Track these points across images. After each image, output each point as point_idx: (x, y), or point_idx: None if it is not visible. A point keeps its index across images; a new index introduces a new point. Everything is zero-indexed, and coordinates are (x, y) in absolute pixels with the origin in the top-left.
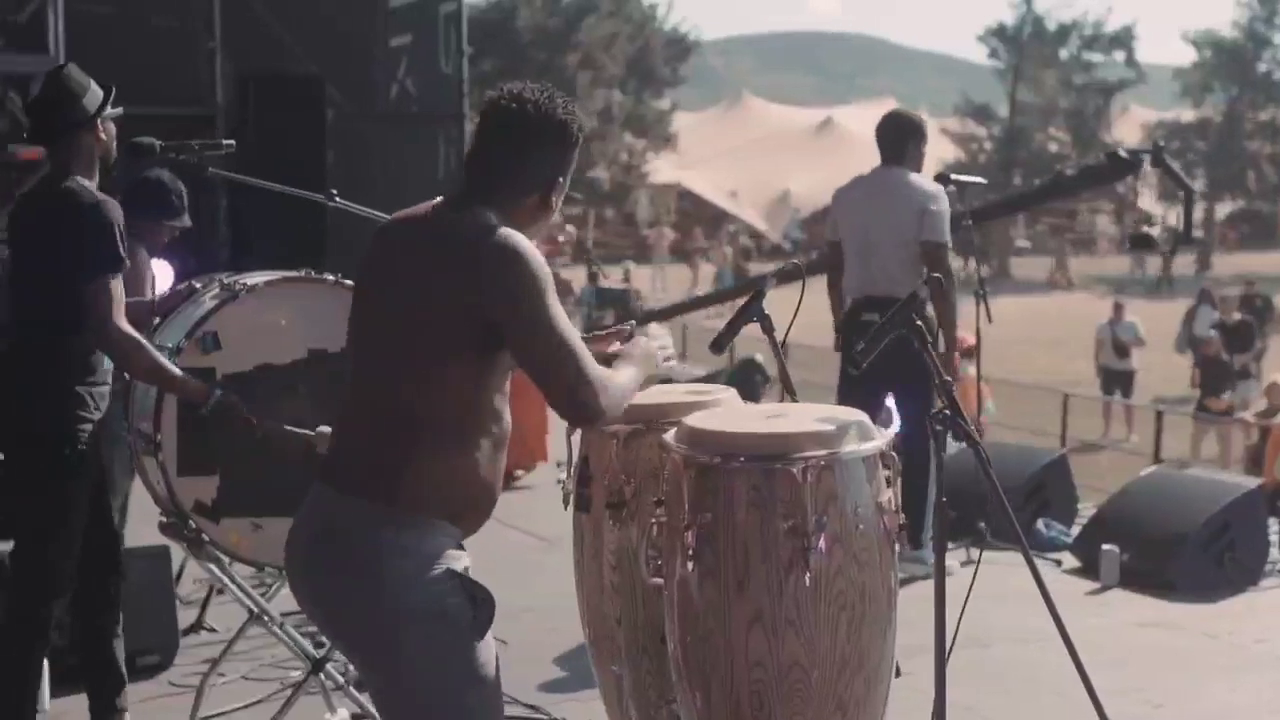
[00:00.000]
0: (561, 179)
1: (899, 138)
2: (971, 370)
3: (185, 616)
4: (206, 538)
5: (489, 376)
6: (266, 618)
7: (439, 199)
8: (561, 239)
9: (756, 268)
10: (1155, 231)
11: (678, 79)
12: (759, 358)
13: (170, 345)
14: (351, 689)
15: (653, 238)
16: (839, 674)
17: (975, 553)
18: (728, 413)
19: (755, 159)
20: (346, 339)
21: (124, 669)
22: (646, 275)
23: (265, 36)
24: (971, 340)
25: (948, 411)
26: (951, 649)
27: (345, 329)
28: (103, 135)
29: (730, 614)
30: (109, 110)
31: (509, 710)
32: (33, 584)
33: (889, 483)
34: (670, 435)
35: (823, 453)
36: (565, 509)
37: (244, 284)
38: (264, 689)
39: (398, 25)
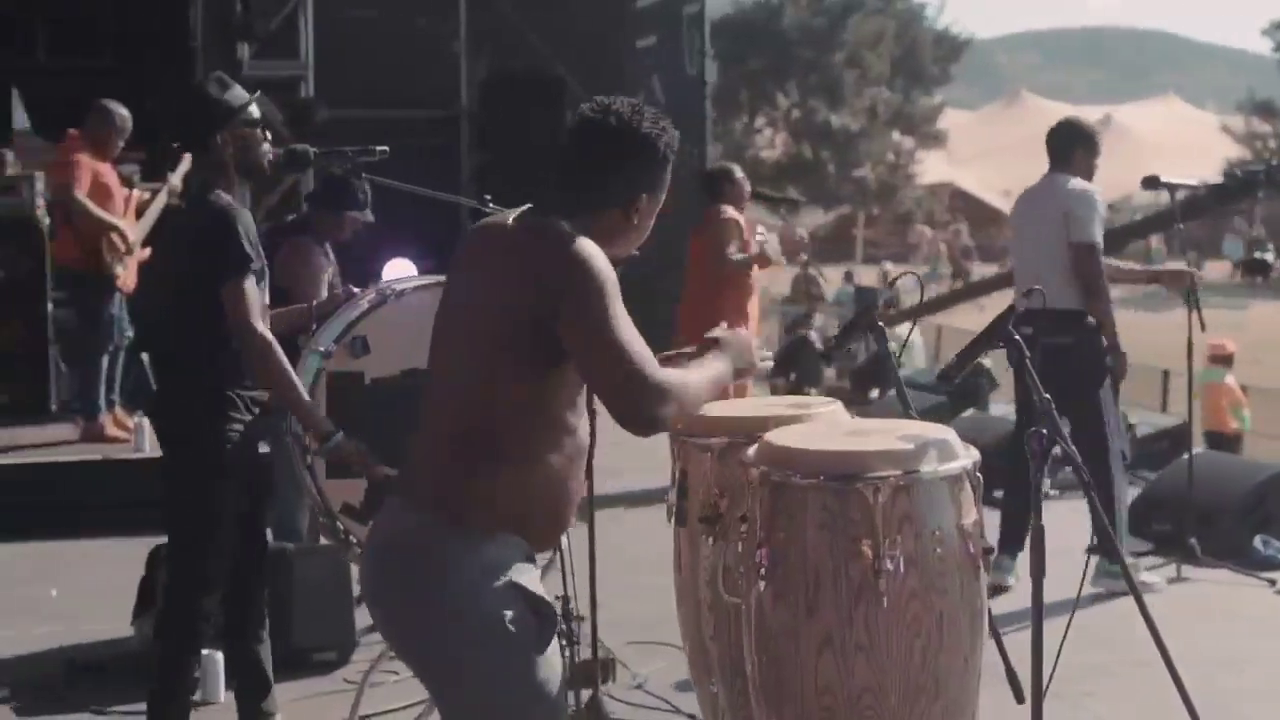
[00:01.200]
0: (645, 195)
1: (1067, 144)
2: (1228, 378)
3: (366, 615)
4: (353, 539)
5: (556, 388)
6: None
7: (525, 207)
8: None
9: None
10: (1270, 257)
11: (947, 77)
12: (986, 362)
13: (321, 349)
14: None
15: (921, 236)
16: (913, 703)
17: (1179, 569)
18: (809, 429)
19: (1029, 157)
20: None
21: (270, 673)
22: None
23: (511, 38)
24: (1229, 346)
25: (1044, 430)
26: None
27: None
28: (230, 146)
29: (800, 637)
30: (244, 117)
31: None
32: (184, 579)
33: (975, 504)
34: (751, 451)
35: (897, 472)
36: (669, 523)
37: (394, 289)
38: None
39: (643, 26)
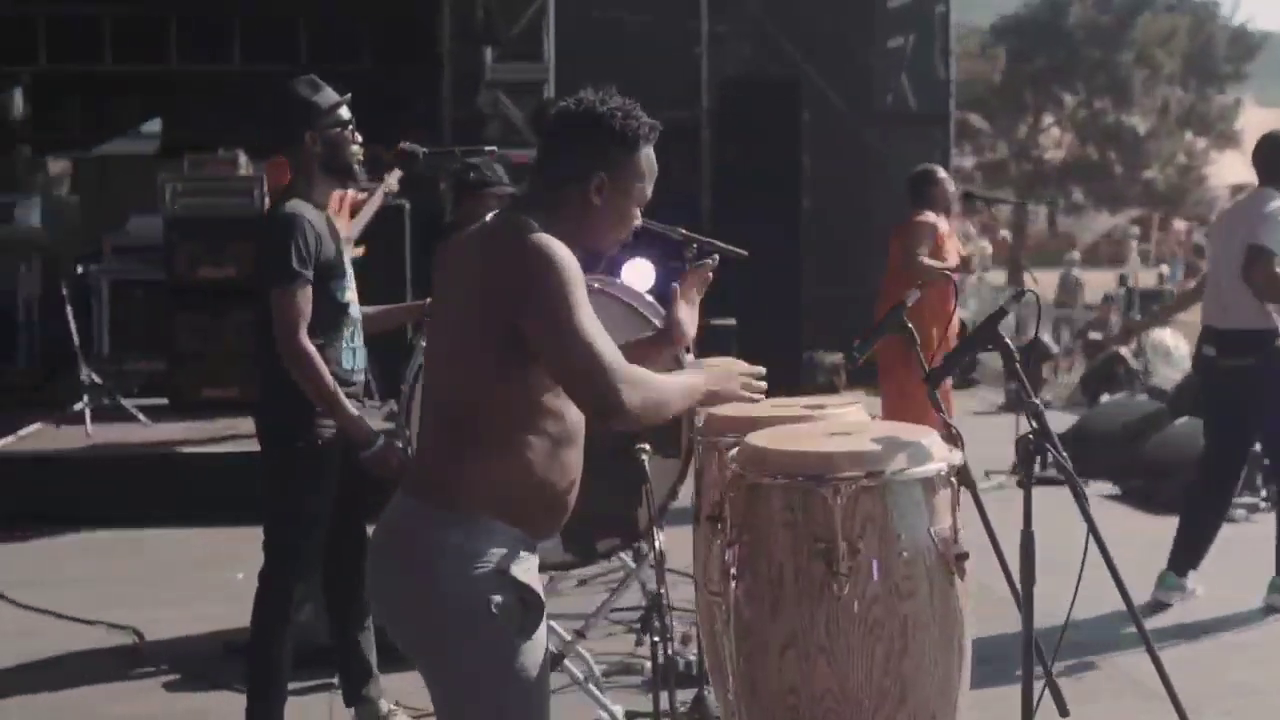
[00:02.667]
0: (603, 174)
1: (1272, 159)
2: None
3: None
4: None
5: (534, 375)
6: None
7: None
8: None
9: None
10: None
11: (1241, 74)
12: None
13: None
14: (590, 686)
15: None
16: (878, 707)
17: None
18: (794, 430)
19: None
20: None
21: (373, 661)
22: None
23: (754, 40)
24: None
25: (1033, 436)
26: None
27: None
28: (318, 146)
29: (767, 637)
30: (332, 117)
31: None
32: (275, 567)
33: (950, 509)
34: (733, 450)
35: (859, 474)
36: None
37: None
38: None
39: (893, 27)
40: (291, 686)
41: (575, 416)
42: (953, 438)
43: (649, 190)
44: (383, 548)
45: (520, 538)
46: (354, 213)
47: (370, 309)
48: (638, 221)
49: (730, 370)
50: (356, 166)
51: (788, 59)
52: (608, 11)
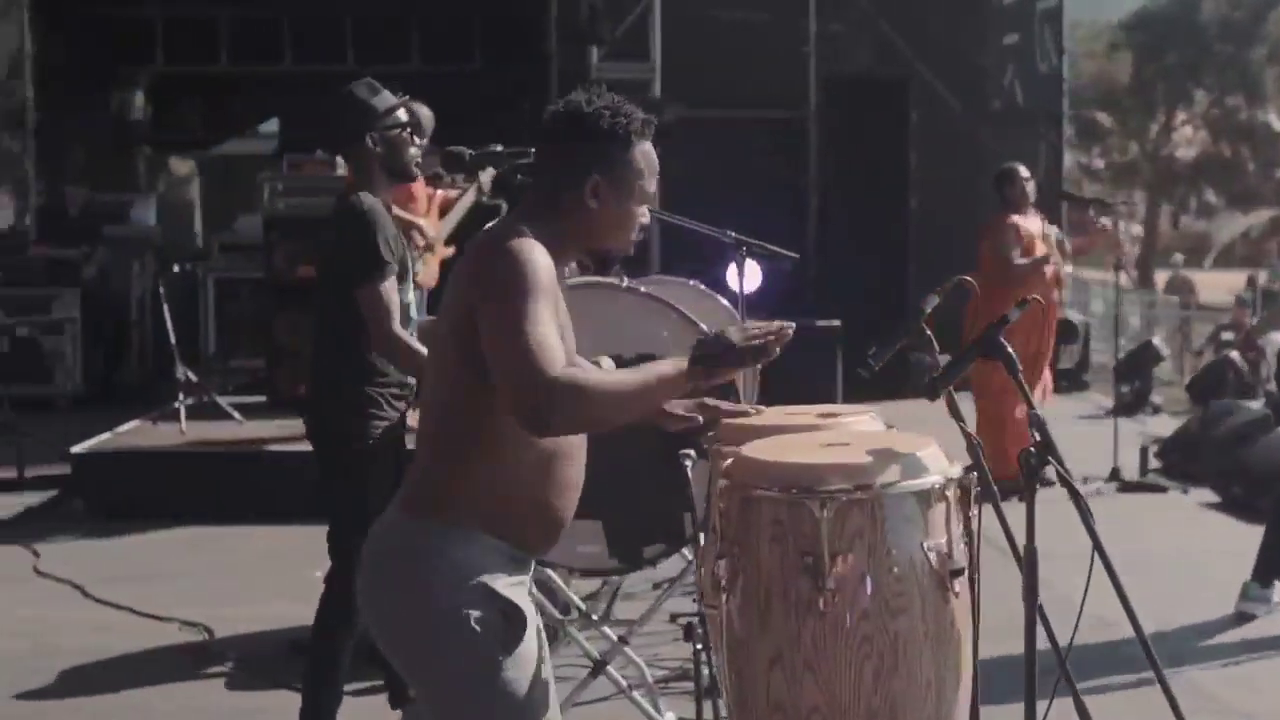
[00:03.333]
0: (599, 176)
1: None
2: None
3: None
4: None
5: None
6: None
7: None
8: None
9: None
10: None
11: None
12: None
13: None
14: (635, 693)
15: None
16: None
17: None
18: (787, 440)
19: None
20: None
21: None
22: None
23: (862, 38)
24: None
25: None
26: None
27: (635, 334)
28: (378, 148)
29: (755, 651)
30: (391, 120)
31: None
32: (340, 568)
33: (946, 524)
34: (727, 461)
35: (847, 486)
36: None
37: None
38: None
39: (1004, 24)
40: (349, 688)
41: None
42: (973, 448)
43: (651, 186)
44: (370, 558)
45: (506, 551)
46: (444, 212)
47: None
48: (645, 219)
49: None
50: (415, 168)
51: (898, 57)
52: (715, 10)
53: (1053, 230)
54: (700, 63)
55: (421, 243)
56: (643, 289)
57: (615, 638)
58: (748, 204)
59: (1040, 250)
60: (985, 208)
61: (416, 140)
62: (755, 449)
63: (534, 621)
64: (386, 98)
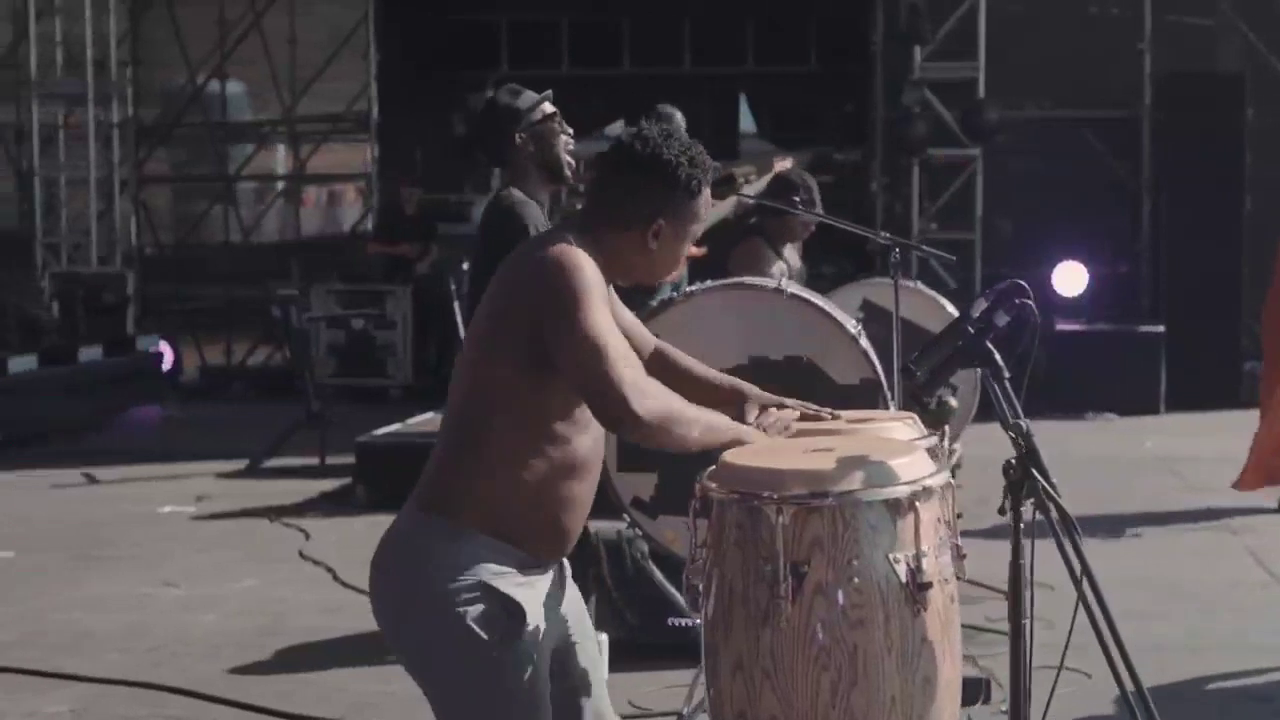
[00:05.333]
0: (663, 221)
1: None
2: None
3: None
4: (640, 532)
5: (543, 395)
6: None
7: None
8: None
9: None
10: None
11: None
12: None
13: None
14: None
15: None
16: None
17: None
18: (773, 445)
19: None
20: None
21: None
22: None
23: (1197, 33)
24: None
25: (1014, 461)
26: None
27: (787, 337)
28: (529, 145)
29: (720, 657)
30: (534, 116)
31: None
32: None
33: (916, 535)
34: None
35: (805, 492)
36: None
37: (686, 290)
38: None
39: None
40: None
41: (586, 449)
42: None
43: (700, 230)
44: (381, 551)
45: (513, 554)
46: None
47: None
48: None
49: (757, 428)
50: (566, 157)
51: (1240, 50)
52: (1040, 8)
53: None
54: (1026, 60)
55: None
56: (793, 292)
57: None
58: (1075, 205)
59: None
60: None
61: (569, 130)
62: (736, 453)
63: (537, 619)
64: (529, 96)
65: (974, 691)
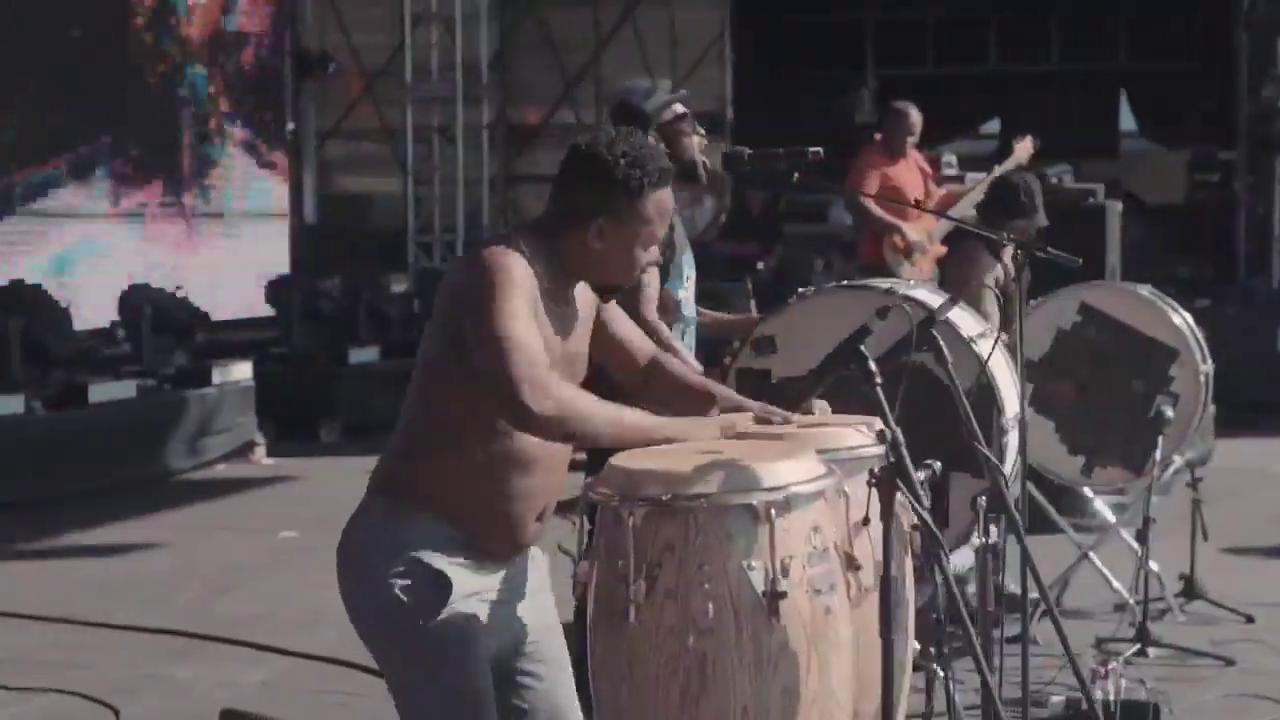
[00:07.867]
0: (604, 219)
1: None
2: None
3: None
4: None
5: (477, 388)
6: None
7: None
8: None
9: None
10: None
11: None
12: None
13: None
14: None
15: None
16: None
17: None
18: (676, 448)
19: None
20: None
21: None
22: None
23: None
24: None
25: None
26: None
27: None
28: (659, 146)
29: (595, 656)
30: (662, 118)
31: None
32: None
33: (773, 544)
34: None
35: (659, 494)
36: None
37: (801, 290)
38: None
39: None
40: None
41: (534, 444)
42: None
43: (661, 231)
44: (342, 536)
45: (451, 535)
46: (945, 208)
47: (704, 316)
48: (652, 258)
49: (701, 427)
50: (699, 156)
51: None
52: None
53: None
54: None
55: (900, 245)
56: (905, 293)
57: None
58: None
59: None
60: None
61: (700, 130)
62: (622, 456)
63: (471, 599)
64: (659, 98)
65: (1139, 716)
